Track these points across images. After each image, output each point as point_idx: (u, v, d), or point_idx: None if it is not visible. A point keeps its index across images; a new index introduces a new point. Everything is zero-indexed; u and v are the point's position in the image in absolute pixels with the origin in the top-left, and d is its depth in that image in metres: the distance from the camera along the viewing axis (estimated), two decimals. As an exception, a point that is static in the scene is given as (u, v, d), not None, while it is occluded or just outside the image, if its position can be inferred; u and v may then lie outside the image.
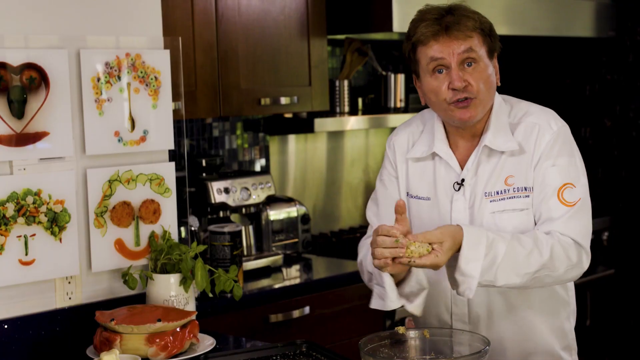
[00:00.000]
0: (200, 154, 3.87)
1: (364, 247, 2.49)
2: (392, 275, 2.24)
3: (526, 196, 2.35)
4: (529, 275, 2.23)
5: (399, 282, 2.27)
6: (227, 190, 3.59)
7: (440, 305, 2.45)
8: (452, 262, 2.22)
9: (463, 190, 2.38)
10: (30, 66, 2.49)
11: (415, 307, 2.27)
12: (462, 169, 2.40)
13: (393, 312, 3.52)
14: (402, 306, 2.28)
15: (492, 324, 2.41)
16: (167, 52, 2.78)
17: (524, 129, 2.38)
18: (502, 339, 2.40)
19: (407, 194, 2.49)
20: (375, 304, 2.31)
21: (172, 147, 2.81)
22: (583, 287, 4.53)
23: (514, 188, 2.35)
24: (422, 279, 2.26)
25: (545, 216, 2.32)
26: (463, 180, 2.38)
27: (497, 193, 2.36)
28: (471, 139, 2.41)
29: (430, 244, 2.15)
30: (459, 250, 2.20)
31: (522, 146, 2.36)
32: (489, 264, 2.19)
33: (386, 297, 2.26)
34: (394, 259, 2.16)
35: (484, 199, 2.36)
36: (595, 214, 4.92)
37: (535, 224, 2.35)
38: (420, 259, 2.14)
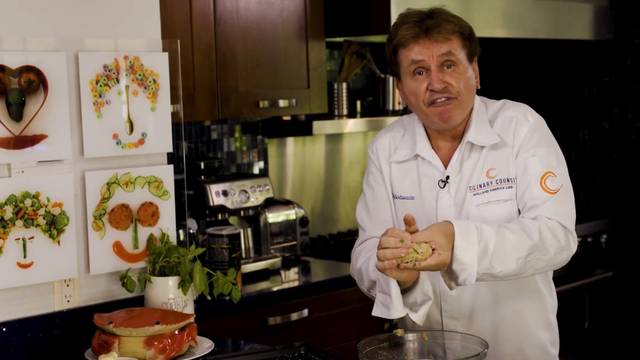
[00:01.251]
0: (198, 157, 3.87)
1: (362, 254, 2.49)
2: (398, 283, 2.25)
3: (509, 187, 2.39)
4: (522, 260, 2.26)
5: (404, 291, 2.27)
6: (225, 193, 3.59)
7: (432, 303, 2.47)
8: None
9: (448, 187, 2.43)
10: (28, 69, 2.49)
11: (419, 317, 2.28)
12: (445, 167, 2.44)
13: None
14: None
15: (482, 319, 2.44)
16: (166, 54, 2.78)
17: (501, 122, 2.44)
18: (494, 333, 2.43)
19: (394, 195, 2.52)
20: (378, 311, 2.31)
21: (170, 149, 2.81)
22: (581, 290, 4.54)
23: (496, 180, 2.40)
24: (428, 290, 2.27)
25: (530, 204, 2.36)
26: (448, 177, 2.42)
27: (481, 186, 2.40)
28: (452, 140, 2.46)
29: (427, 242, 2.16)
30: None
31: (502, 138, 2.42)
32: (482, 251, 2.21)
33: (391, 305, 2.26)
34: (399, 264, 2.16)
35: (468, 193, 2.41)
36: (593, 217, 4.94)
37: (520, 213, 2.39)
38: (426, 261, 2.15)
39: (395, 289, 2.24)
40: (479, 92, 2.50)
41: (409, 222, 2.20)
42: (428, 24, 2.34)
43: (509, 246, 2.24)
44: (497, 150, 2.41)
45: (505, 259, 2.24)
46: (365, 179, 2.59)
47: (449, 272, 2.23)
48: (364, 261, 2.45)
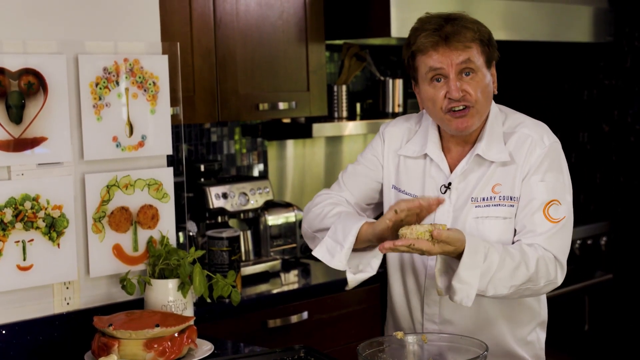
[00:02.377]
0: (198, 159, 3.87)
1: (324, 201, 2.53)
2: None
3: (510, 205, 2.39)
4: (514, 288, 2.28)
5: (354, 251, 2.32)
6: (225, 196, 3.59)
7: (415, 304, 2.51)
8: (445, 269, 2.26)
9: (449, 193, 2.42)
10: (28, 71, 2.49)
11: (351, 280, 2.34)
12: (451, 172, 2.44)
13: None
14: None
15: (460, 327, 2.45)
16: (166, 57, 2.78)
17: (516, 140, 2.42)
18: None
19: (394, 186, 2.53)
20: (320, 254, 2.35)
21: (170, 152, 2.81)
22: (581, 292, 4.54)
23: (500, 196, 2.39)
24: (375, 264, 2.33)
25: (529, 228, 2.36)
26: (450, 183, 2.42)
27: (483, 199, 2.40)
28: (464, 145, 2.45)
29: (430, 231, 2.18)
30: (457, 256, 2.22)
31: (513, 156, 2.40)
32: (484, 273, 2.22)
33: (337, 255, 2.31)
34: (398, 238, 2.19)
35: (469, 204, 2.41)
36: (593, 219, 4.95)
37: (515, 233, 2.39)
38: (418, 241, 2.16)
39: (350, 243, 2.29)
40: (496, 98, 2.48)
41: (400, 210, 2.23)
42: (447, 31, 2.31)
43: (507, 272, 2.26)
44: (506, 167, 2.40)
45: (500, 285, 2.26)
46: (364, 151, 2.60)
47: (445, 285, 2.25)
48: (324, 206, 2.49)
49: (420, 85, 2.39)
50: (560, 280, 2.37)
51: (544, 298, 2.55)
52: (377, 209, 2.62)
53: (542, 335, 2.55)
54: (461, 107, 2.34)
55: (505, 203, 2.38)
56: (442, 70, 2.33)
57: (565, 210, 2.37)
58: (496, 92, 2.42)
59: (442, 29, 2.32)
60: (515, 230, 2.40)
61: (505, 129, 2.44)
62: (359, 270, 2.34)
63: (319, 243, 2.38)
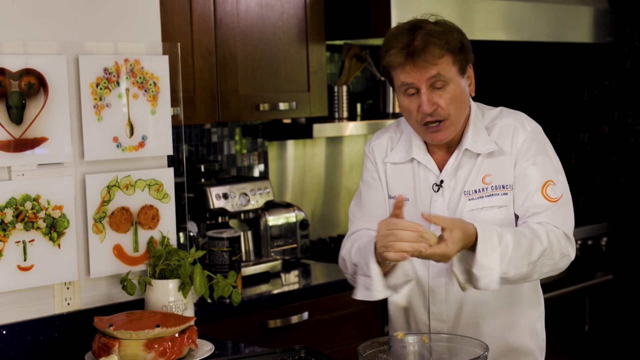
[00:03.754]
0: (199, 160, 3.87)
1: (346, 244, 2.52)
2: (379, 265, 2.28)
3: (504, 194, 2.42)
4: (533, 264, 2.30)
5: (385, 274, 2.30)
6: (225, 196, 3.59)
7: (419, 305, 2.51)
8: (460, 262, 2.27)
9: (442, 191, 2.44)
10: (29, 72, 2.49)
11: (401, 297, 2.31)
12: (440, 171, 2.46)
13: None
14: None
15: (468, 323, 2.46)
16: (166, 57, 2.79)
17: (499, 130, 2.45)
18: (478, 337, 2.44)
19: (389, 196, 2.54)
20: (361, 294, 2.34)
21: (170, 152, 2.81)
22: (581, 293, 4.54)
23: (491, 186, 2.42)
24: (409, 270, 2.30)
25: (531, 211, 2.39)
26: (442, 181, 2.44)
27: (475, 192, 2.43)
28: (447, 148, 2.48)
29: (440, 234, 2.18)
30: (470, 247, 2.23)
31: (499, 145, 2.43)
32: (502, 255, 2.24)
33: (372, 287, 2.29)
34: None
35: (462, 198, 2.43)
36: (593, 220, 4.94)
37: (518, 220, 2.42)
38: (431, 249, 2.16)
39: (375, 270, 2.28)
40: (477, 97, 2.50)
41: (398, 205, 2.23)
42: (415, 46, 2.31)
43: (523, 251, 2.28)
44: (494, 158, 2.43)
45: (520, 263, 2.28)
46: (361, 177, 2.61)
47: (468, 275, 2.25)
48: (347, 249, 2.48)
49: (397, 94, 2.42)
50: (572, 254, 2.40)
51: (539, 287, 2.57)
52: None
53: (543, 326, 2.58)
54: (435, 123, 2.37)
55: (498, 192, 2.42)
56: (413, 84, 2.35)
57: (561, 188, 2.41)
58: (473, 94, 2.45)
59: (410, 45, 2.32)
60: (516, 218, 2.42)
61: (486, 123, 2.47)
62: (400, 285, 2.31)
63: (357, 286, 2.38)
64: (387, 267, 2.29)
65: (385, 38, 2.40)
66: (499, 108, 2.52)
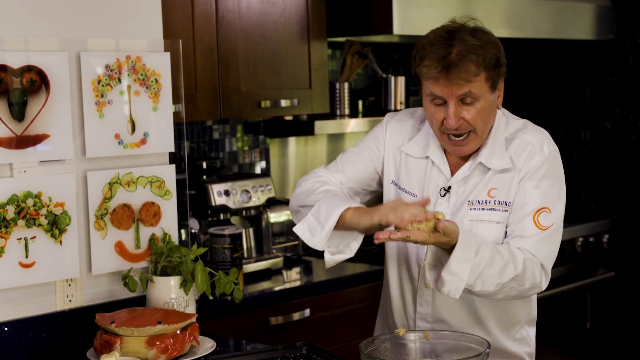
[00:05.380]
0: (200, 157, 3.87)
1: (314, 177, 2.51)
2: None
3: (504, 210, 2.40)
4: (500, 285, 2.29)
5: (335, 230, 2.31)
6: (227, 193, 3.59)
7: (408, 303, 2.52)
8: (433, 258, 2.27)
9: (448, 196, 2.43)
10: (30, 69, 2.49)
11: (328, 260, 2.34)
12: (452, 175, 2.45)
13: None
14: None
15: (452, 327, 2.46)
16: (168, 54, 2.78)
17: (517, 145, 2.42)
18: None
19: (394, 182, 2.53)
20: (301, 231, 2.34)
21: (172, 149, 2.81)
22: (583, 290, 4.53)
23: (495, 201, 2.40)
24: (355, 246, 2.33)
25: (517, 233, 2.37)
26: (450, 187, 2.43)
27: (479, 202, 2.41)
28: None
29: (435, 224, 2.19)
30: (448, 249, 2.23)
31: (514, 162, 2.40)
32: (474, 267, 2.24)
33: (317, 235, 2.30)
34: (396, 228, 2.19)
35: (465, 206, 2.41)
36: (595, 217, 4.94)
37: (505, 236, 2.40)
38: (413, 233, 2.17)
39: (330, 225, 2.28)
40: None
41: (425, 202, 2.26)
42: (451, 60, 2.25)
43: (495, 270, 2.27)
44: (504, 173, 2.41)
45: (488, 281, 2.27)
46: (363, 138, 2.59)
47: (434, 277, 2.26)
48: (312, 182, 2.47)
49: (423, 99, 2.38)
50: (544, 285, 2.38)
51: (534, 297, 2.55)
52: (370, 195, 2.62)
53: (532, 332, 2.58)
54: (459, 137, 2.34)
55: (499, 208, 2.40)
56: (442, 97, 2.31)
57: (555, 218, 2.38)
58: (500, 108, 2.42)
59: (446, 58, 2.26)
60: (505, 234, 2.41)
61: (507, 134, 2.44)
62: (338, 251, 2.34)
63: (302, 220, 2.37)
64: (341, 229, 2.29)
65: (420, 42, 2.34)
66: (524, 121, 2.48)
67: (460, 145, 2.36)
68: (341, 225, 2.29)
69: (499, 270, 2.27)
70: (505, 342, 2.49)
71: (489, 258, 2.25)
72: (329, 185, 2.47)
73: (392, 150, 2.53)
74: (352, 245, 2.34)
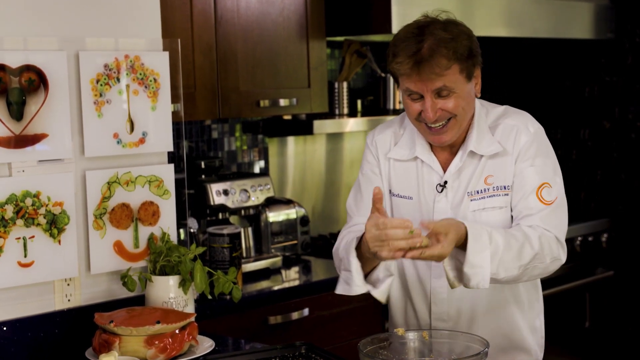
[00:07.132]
0: (199, 156, 3.87)
1: (339, 240, 2.50)
2: (362, 262, 2.29)
3: (505, 194, 2.42)
4: (523, 267, 2.30)
5: (369, 270, 2.31)
6: (226, 192, 3.59)
7: (421, 305, 2.51)
8: (451, 259, 2.26)
9: (445, 192, 2.44)
10: (29, 68, 2.49)
11: (380, 293, 2.32)
12: (444, 171, 2.45)
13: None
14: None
15: (470, 322, 2.47)
16: (166, 54, 2.78)
17: (502, 130, 2.44)
18: (480, 334, 2.44)
19: (390, 192, 2.53)
20: (340, 289, 2.37)
21: (171, 149, 2.81)
22: (582, 289, 4.54)
23: (493, 187, 2.42)
24: (391, 266, 2.31)
25: (525, 212, 2.39)
26: (446, 182, 2.44)
27: (478, 192, 2.42)
28: (449, 148, 2.47)
29: (434, 235, 2.18)
30: (460, 246, 2.23)
31: (503, 146, 2.42)
32: (493, 254, 2.24)
33: (352, 282, 2.31)
34: (406, 253, 2.17)
35: (465, 198, 2.43)
36: (594, 216, 4.94)
37: (513, 221, 2.42)
38: (429, 250, 2.16)
39: (355, 265, 2.29)
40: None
41: (376, 200, 2.22)
42: (422, 55, 2.26)
43: (513, 254, 2.27)
44: (496, 158, 2.43)
45: (510, 266, 2.27)
46: (361, 168, 2.60)
47: (458, 273, 2.25)
48: (338, 244, 2.47)
49: (401, 93, 2.40)
50: (563, 257, 2.39)
51: (539, 284, 2.57)
52: None
53: (542, 323, 2.59)
54: (438, 126, 2.35)
55: (499, 193, 2.41)
56: (417, 92, 2.32)
57: (556, 191, 2.40)
58: (479, 95, 2.43)
59: (417, 54, 2.27)
60: (512, 217, 2.42)
61: (489, 123, 2.46)
62: (380, 281, 2.32)
63: (339, 280, 2.40)
64: (373, 262, 2.29)
65: (393, 40, 2.35)
66: (504, 107, 2.51)
67: (440, 134, 2.37)
68: (367, 258, 2.29)
69: (516, 253, 2.27)
70: (523, 332, 2.50)
71: (503, 243, 2.25)
72: (347, 236, 2.45)
73: (384, 162, 2.55)
74: (388, 267, 2.31)
